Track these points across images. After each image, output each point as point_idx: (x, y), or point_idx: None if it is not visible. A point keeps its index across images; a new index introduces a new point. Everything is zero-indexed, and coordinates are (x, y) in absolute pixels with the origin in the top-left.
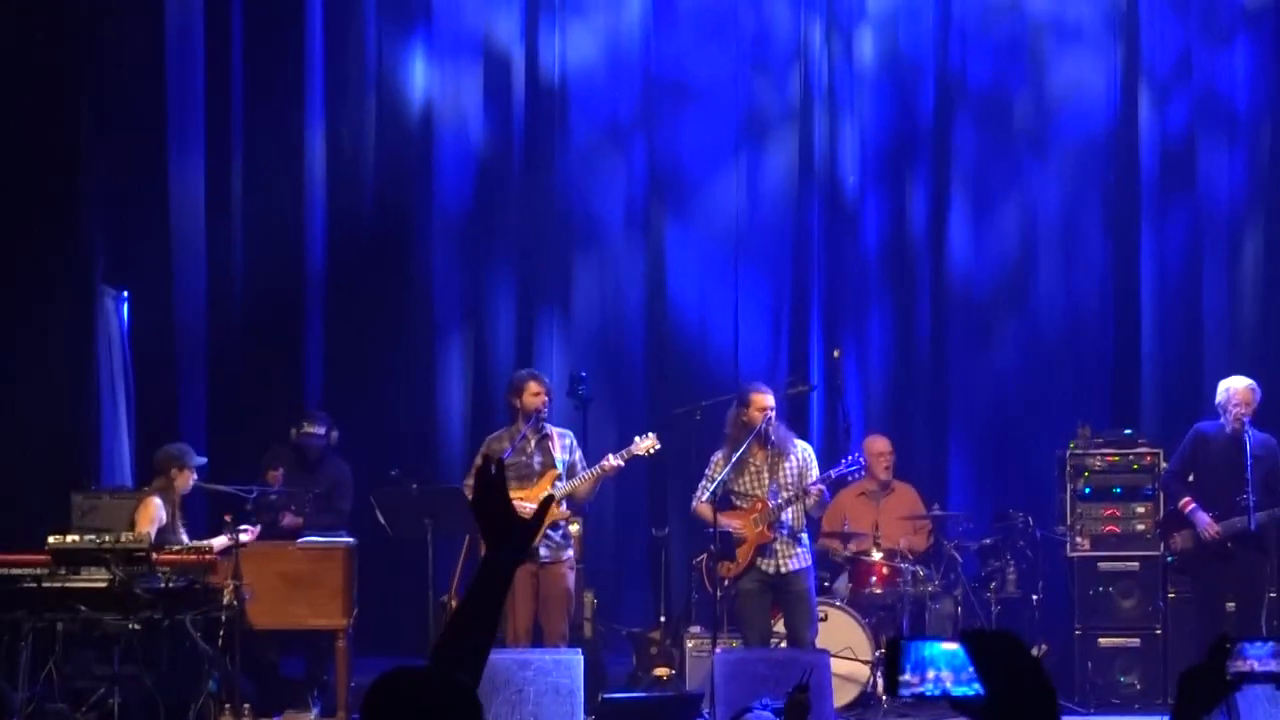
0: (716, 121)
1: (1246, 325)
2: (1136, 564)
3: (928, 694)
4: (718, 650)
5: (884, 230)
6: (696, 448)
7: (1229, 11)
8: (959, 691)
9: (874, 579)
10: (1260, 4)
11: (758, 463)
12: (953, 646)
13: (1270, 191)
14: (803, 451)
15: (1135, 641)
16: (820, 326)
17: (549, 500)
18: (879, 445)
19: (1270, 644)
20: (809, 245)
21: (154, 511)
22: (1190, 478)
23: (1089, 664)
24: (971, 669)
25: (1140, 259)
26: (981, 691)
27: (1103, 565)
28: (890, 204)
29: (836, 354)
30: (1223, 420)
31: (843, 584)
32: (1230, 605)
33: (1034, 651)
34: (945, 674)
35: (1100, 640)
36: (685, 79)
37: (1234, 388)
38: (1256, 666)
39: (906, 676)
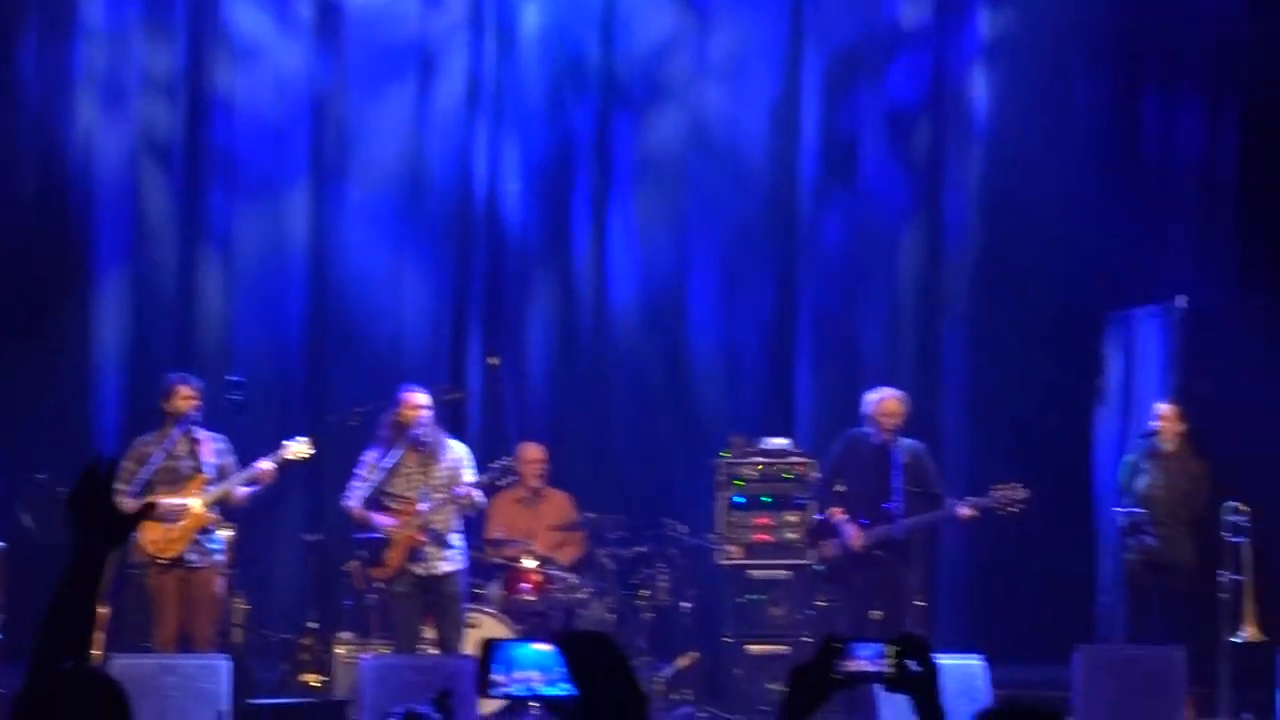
0: (380, 124)
1: (903, 336)
2: (787, 572)
3: (516, 694)
4: (365, 656)
5: (544, 238)
6: (354, 452)
7: (890, 28)
8: (548, 691)
9: (527, 586)
10: (916, 26)
11: (410, 465)
12: (544, 648)
13: (929, 201)
14: (456, 454)
15: (785, 649)
16: (480, 333)
17: (150, 506)
18: (533, 453)
19: (878, 645)
20: (471, 251)
21: None
22: (841, 487)
23: (739, 671)
24: (562, 669)
25: (798, 269)
26: (572, 692)
27: (754, 573)
28: (551, 212)
29: (494, 361)
30: (871, 431)
31: (495, 590)
32: (877, 614)
33: (682, 660)
34: (535, 674)
35: (750, 648)
36: (351, 84)
37: (881, 399)
38: (865, 667)
39: (496, 676)
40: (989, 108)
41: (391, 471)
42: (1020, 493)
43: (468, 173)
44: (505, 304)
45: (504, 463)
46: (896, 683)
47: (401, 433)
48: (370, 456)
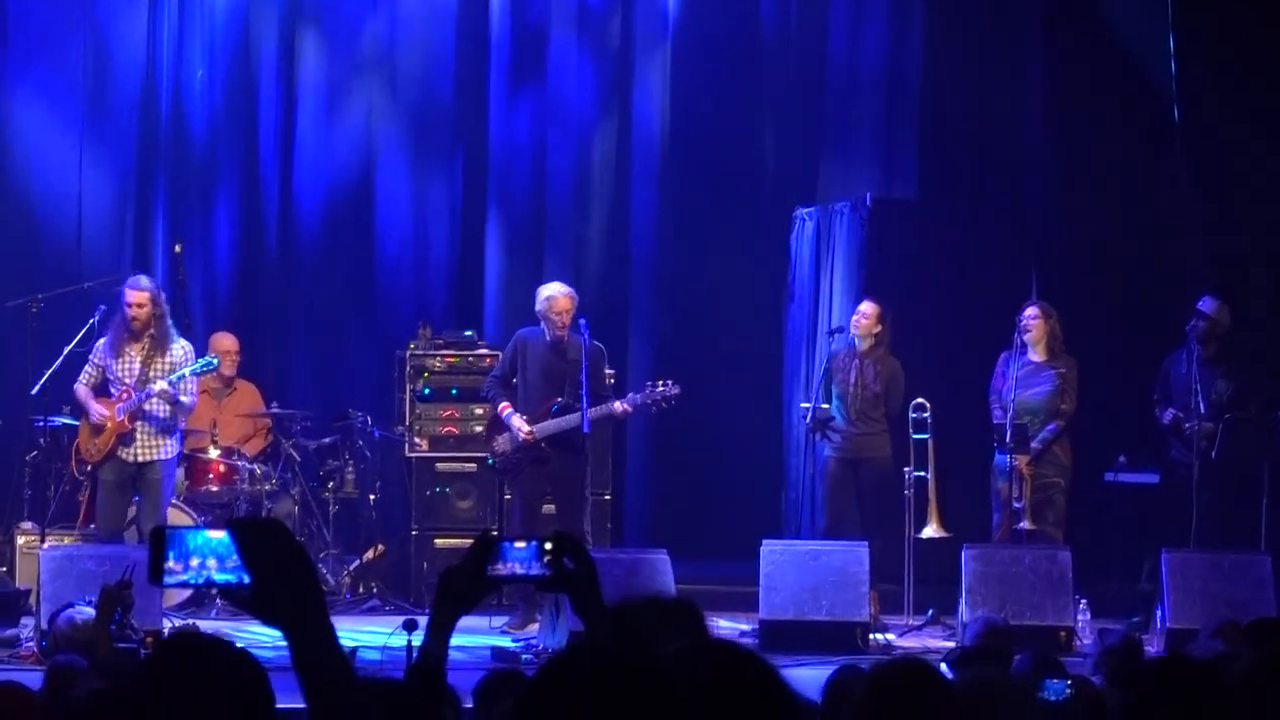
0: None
1: (594, 230)
2: (474, 465)
3: (191, 581)
4: (44, 547)
5: (230, 126)
6: (37, 339)
7: None
8: (222, 578)
9: (211, 476)
10: None
11: (133, 353)
12: (219, 534)
13: (619, 97)
14: (181, 349)
15: (471, 542)
16: (165, 220)
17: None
18: (227, 343)
19: (533, 545)
20: (155, 138)
21: None
22: (515, 380)
23: (425, 564)
24: (237, 557)
25: (487, 161)
26: (246, 579)
27: (440, 466)
28: (238, 100)
29: (178, 248)
30: (544, 327)
31: (180, 481)
32: (549, 507)
33: (369, 554)
34: (210, 562)
35: (437, 541)
36: None
37: (552, 294)
38: (518, 569)
39: (171, 564)
40: (679, 5)
41: (117, 357)
42: (673, 389)
43: (155, 59)
44: (191, 190)
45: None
46: (553, 584)
47: (125, 323)
48: (100, 343)
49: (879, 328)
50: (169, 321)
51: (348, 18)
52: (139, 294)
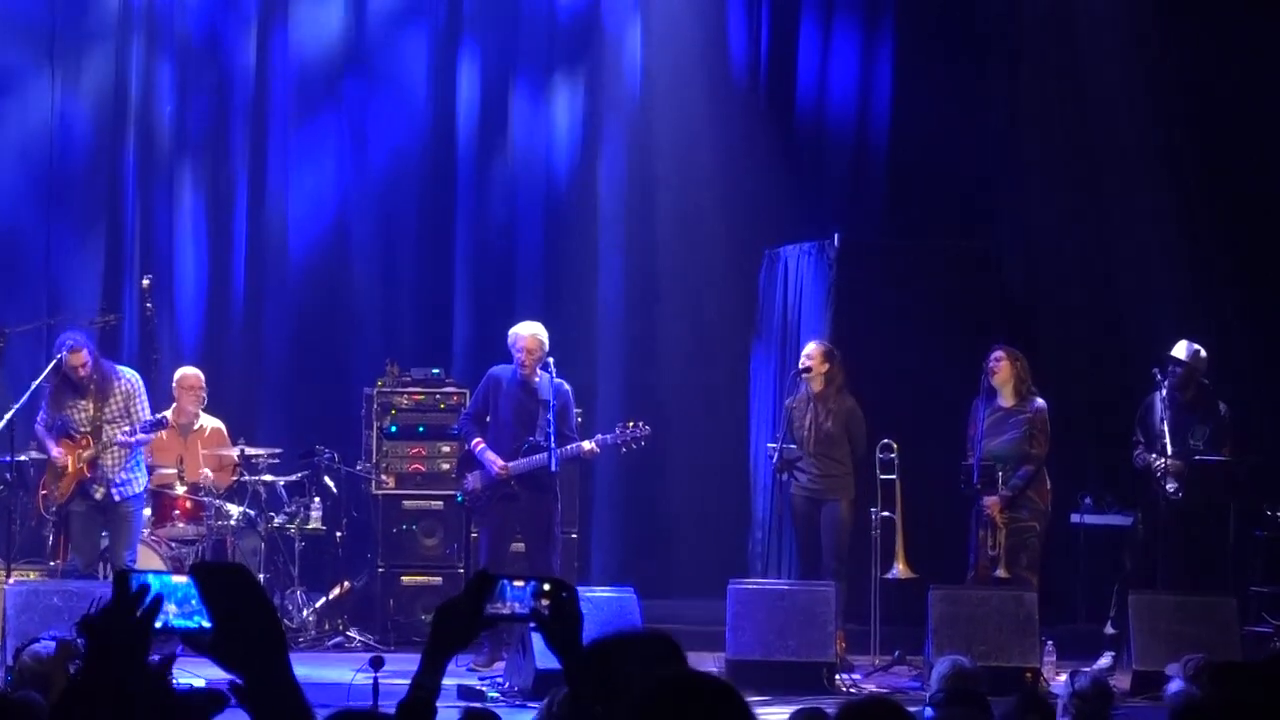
0: (24, 39)
1: (561, 269)
2: (440, 503)
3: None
4: (9, 582)
5: (199, 162)
6: (2, 376)
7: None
8: (180, 624)
9: (177, 513)
10: None
11: (84, 402)
12: (181, 579)
13: (588, 133)
14: (126, 381)
15: (438, 580)
16: (133, 256)
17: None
18: (193, 380)
19: (531, 585)
20: (123, 173)
21: None
22: (488, 419)
23: (391, 602)
24: (197, 603)
25: (456, 197)
26: (205, 625)
27: (407, 503)
28: (208, 137)
29: (146, 282)
30: (515, 365)
31: (146, 518)
32: (519, 546)
33: (335, 590)
34: (170, 607)
35: (403, 578)
36: None
37: (521, 335)
38: (516, 608)
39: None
40: (648, 49)
41: (70, 408)
42: (644, 430)
43: (125, 80)
44: (159, 223)
45: (161, 416)
46: (547, 624)
47: (68, 383)
48: (39, 387)
49: (826, 366)
50: (102, 360)
51: (320, 60)
52: (81, 354)
